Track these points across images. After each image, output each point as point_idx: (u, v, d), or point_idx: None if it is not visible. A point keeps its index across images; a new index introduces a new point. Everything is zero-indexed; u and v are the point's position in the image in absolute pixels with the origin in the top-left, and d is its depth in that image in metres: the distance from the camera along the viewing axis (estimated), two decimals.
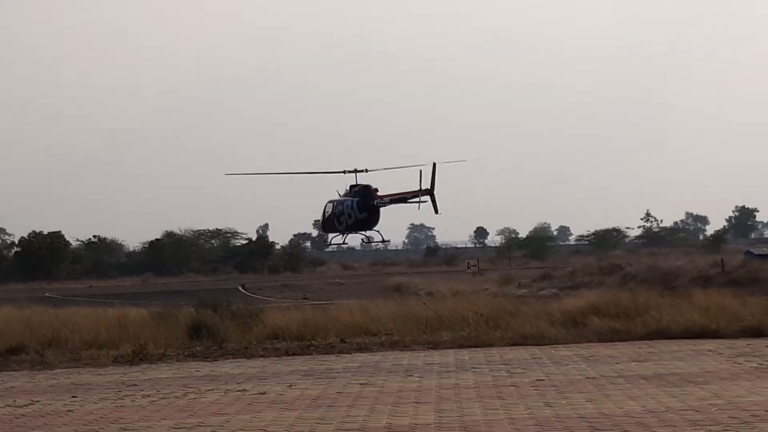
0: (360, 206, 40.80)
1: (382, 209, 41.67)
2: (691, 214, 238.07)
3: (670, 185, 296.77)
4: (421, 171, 39.45)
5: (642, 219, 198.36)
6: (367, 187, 41.06)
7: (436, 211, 40.03)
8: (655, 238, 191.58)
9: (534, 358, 29.28)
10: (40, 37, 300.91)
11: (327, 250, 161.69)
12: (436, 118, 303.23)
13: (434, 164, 39.53)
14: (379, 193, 41.08)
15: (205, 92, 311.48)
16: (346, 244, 45.71)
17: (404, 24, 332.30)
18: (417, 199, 40.00)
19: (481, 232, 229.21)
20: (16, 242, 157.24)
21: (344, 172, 40.95)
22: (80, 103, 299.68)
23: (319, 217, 43.63)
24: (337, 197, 42.09)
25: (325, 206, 42.31)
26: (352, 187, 41.34)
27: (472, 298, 43.83)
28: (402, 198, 40.70)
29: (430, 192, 39.56)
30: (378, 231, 42.02)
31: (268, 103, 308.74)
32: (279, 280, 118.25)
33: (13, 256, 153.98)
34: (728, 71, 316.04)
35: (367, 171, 40.81)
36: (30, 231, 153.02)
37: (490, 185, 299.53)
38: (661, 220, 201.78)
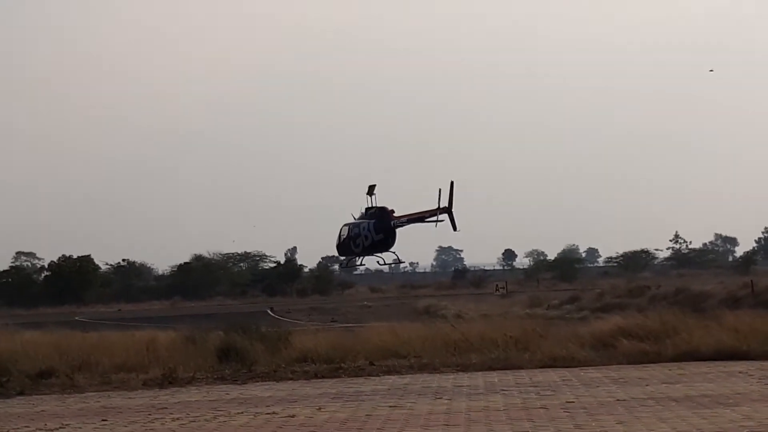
0: (377, 228, 41.34)
1: (398, 230, 42.08)
2: (720, 235, 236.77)
3: (699, 207, 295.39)
4: (440, 189, 39.90)
5: (671, 240, 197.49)
6: (383, 209, 41.72)
7: (455, 228, 40.50)
8: (684, 259, 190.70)
9: (563, 380, 29.18)
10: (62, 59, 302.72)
11: (354, 272, 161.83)
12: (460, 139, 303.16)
13: (452, 182, 39.91)
14: (395, 214, 41.56)
15: (234, 113, 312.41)
16: (363, 265, 46.36)
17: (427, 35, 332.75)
18: (435, 218, 40.39)
19: (509, 255, 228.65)
20: (46, 266, 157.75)
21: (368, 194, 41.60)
22: (109, 127, 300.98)
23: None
24: (352, 220, 42.60)
25: (341, 229, 42.88)
26: (368, 209, 41.92)
27: (500, 320, 43.72)
28: (420, 218, 41.20)
29: (448, 210, 40.00)
30: (394, 252, 42.44)
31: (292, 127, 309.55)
32: (307, 303, 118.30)
33: (42, 280, 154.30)
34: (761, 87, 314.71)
35: (375, 186, 41.66)
36: (60, 255, 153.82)
37: (518, 207, 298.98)
38: (690, 242, 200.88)
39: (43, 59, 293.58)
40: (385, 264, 44.08)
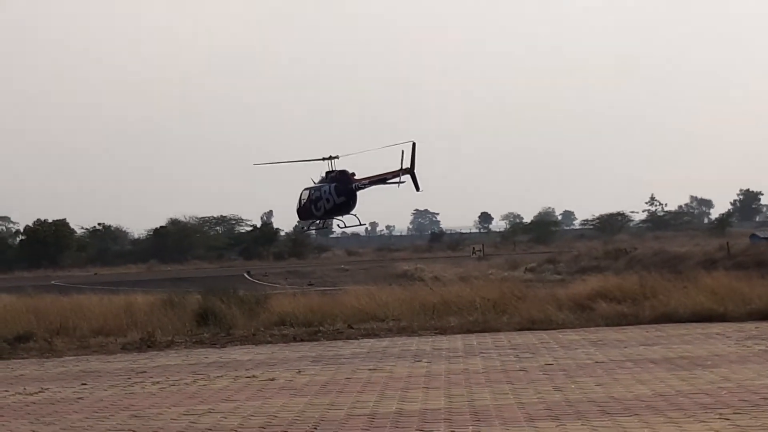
0: (338, 191, 41.55)
1: (360, 192, 42.28)
2: (696, 197, 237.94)
3: (674, 169, 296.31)
4: (402, 151, 40.09)
5: (647, 203, 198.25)
6: (343, 172, 41.95)
7: (417, 189, 40.91)
8: (660, 222, 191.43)
9: (542, 342, 29.30)
10: (43, 26, 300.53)
11: (330, 235, 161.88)
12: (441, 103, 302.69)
13: (413, 144, 40.15)
14: (356, 177, 41.72)
15: (209, 82, 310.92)
16: (326, 228, 46.78)
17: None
18: (397, 180, 40.54)
19: (485, 218, 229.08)
20: (21, 230, 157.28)
21: (322, 159, 41.72)
22: (85, 93, 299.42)
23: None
24: (312, 184, 42.62)
25: (301, 194, 42.94)
26: (328, 173, 42.06)
27: (478, 283, 43.83)
28: (381, 179, 41.37)
29: (410, 171, 40.18)
30: (355, 215, 42.69)
31: (265, 91, 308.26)
32: (284, 267, 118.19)
33: (18, 244, 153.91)
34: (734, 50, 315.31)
35: (338, 157, 41.61)
36: (35, 219, 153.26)
37: (493, 170, 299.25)
38: (666, 204, 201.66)
39: (16, 19, 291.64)
40: (345, 227, 44.38)
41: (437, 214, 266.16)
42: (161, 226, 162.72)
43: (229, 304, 37.35)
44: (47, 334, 34.17)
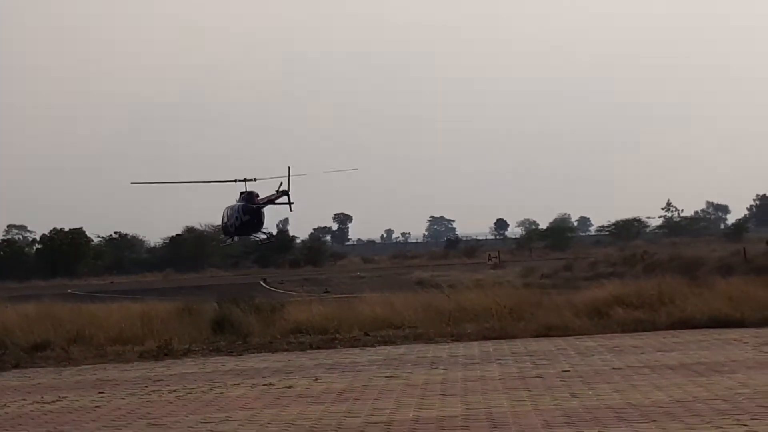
0: (245, 210, 45.78)
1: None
2: (712, 203, 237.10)
3: (690, 175, 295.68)
4: (281, 182, 45.84)
5: (663, 209, 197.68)
6: (250, 193, 46.37)
7: (290, 209, 46.67)
8: (676, 227, 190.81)
9: (559, 349, 29.27)
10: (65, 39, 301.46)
11: (345, 243, 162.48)
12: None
13: (288, 168, 45.00)
14: (258, 198, 46.23)
15: (207, 96, 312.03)
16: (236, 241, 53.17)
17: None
18: (287, 201, 45.08)
19: (501, 224, 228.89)
20: (38, 239, 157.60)
21: (236, 181, 46.16)
22: (99, 99, 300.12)
23: None
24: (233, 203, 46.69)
25: (223, 212, 46.75)
26: (241, 193, 46.16)
27: (495, 289, 43.78)
28: (270, 200, 46.08)
29: (286, 192, 44.60)
30: (265, 231, 47.85)
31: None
32: (300, 274, 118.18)
33: (34, 253, 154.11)
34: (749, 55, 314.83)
35: (255, 180, 46.32)
36: (51, 228, 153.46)
37: (509, 177, 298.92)
38: (682, 210, 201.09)
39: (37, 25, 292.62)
40: (261, 242, 49.92)
41: (453, 220, 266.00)
42: (177, 235, 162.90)
43: (245, 312, 37.42)
44: (64, 342, 34.26)
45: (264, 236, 48.66)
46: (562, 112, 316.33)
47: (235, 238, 49.75)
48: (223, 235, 50.16)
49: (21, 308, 43.01)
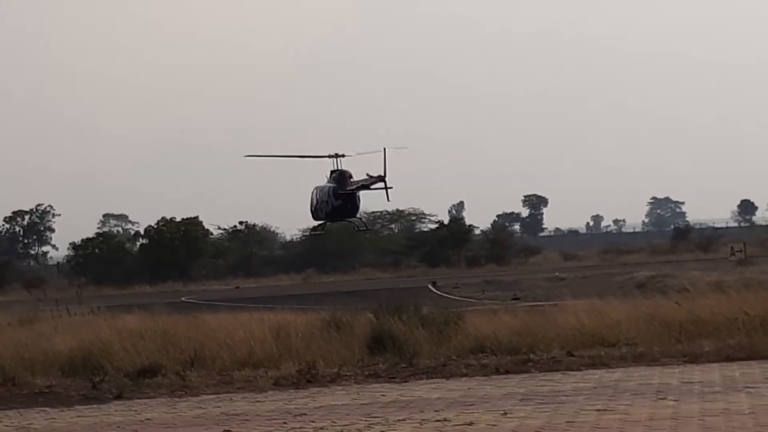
0: (335, 194, 46.55)
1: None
2: None
3: None
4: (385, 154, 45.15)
5: None
6: (342, 173, 46.98)
7: (387, 198, 46.37)
8: None
9: None
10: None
11: (539, 234, 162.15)
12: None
13: (384, 149, 44.83)
14: (352, 180, 46.89)
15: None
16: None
17: None
18: (382, 185, 45.58)
19: (747, 207, 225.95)
20: (142, 232, 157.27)
21: (327, 156, 46.96)
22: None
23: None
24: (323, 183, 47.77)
25: (312, 192, 47.71)
26: (332, 171, 46.88)
27: (741, 294, 43.26)
28: (364, 185, 46.70)
29: (383, 178, 45.41)
30: (360, 218, 48.93)
31: None
32: (480, 275, 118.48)
33: (138, 249, 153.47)
34: None
35: (344, 156, 46.90)
36: (159, 217, 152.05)
37: (758, 146, 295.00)
38: None
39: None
40: (357, 230, 51.20)
41: (682, 203, 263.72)
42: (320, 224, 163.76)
43: (410, 326, 37.63)
44: (179, 366, 34.88)
45: (364, 227, 50.89)
46: None
47: (331, 225, 52.17)
48: (316, 222, 52.58)
49: (123, 322, 43.95)
